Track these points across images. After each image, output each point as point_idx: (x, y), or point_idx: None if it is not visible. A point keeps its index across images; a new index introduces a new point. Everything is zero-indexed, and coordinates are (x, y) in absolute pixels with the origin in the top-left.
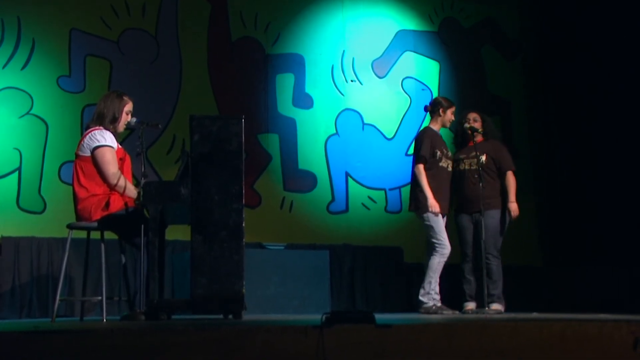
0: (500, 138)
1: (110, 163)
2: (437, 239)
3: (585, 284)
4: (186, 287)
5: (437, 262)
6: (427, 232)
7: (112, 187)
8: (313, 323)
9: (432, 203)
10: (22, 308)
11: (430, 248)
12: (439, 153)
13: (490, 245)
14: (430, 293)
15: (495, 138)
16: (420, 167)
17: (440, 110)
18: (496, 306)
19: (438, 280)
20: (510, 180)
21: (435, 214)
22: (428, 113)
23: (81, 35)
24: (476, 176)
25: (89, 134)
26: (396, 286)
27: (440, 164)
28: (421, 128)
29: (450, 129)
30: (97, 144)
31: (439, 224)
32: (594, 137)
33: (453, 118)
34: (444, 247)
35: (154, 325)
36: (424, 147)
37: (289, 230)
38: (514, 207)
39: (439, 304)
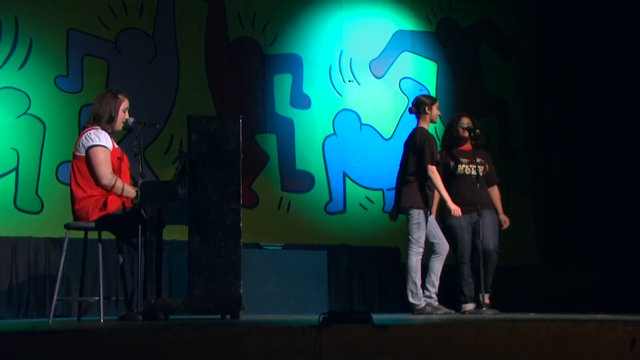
0: (487, 145)
1: (103, 163)
2: (414, 238)
3: (582, 284)
4: (184, 287)
5: (416, 261)
6: (409, 230)
7: (104, 188)
8: (310, 323)
9: (454, 207)
10: (19, 308)
11: (408, 247)
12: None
13: (492, 243)
14: (418, 293)
15: (484, 147)
16: (434, 168)
17: (426, 108)
18: (487, 297)
19: (438, 275)
20: (497, 193)
21: (457, 217)
22: (415, 114)
23: (79, 35)
24: (474, 178)
25: (85, 134)
26: (394, 286)
27: None
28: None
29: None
30: (92, 143)
31: (423, 223)
32: (591, 136)
33: (439, 112)
34: (422, 247)
35: (152, 325)
36: (434, 150)
37: (286, 231)
38: (506, 217)
39: (435, 303)
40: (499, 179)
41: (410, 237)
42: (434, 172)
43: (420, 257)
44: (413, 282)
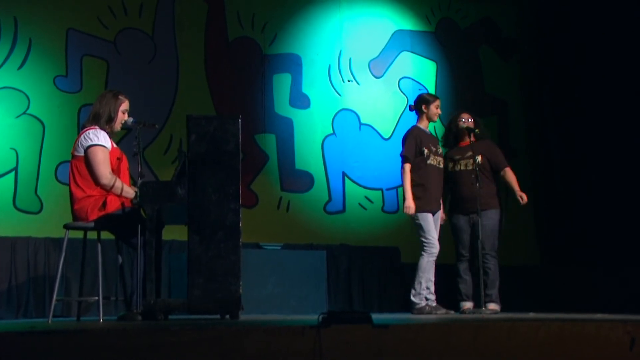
0: (490, 138)
1: (101, 163)
2: (425, 238)
3: (582, 284)
4: (183, 287)
5: (426, 262)
6: (417, 231)
7: (103, 188)
8: (310, 323)
9: (408, 205)
10: (18, 308)
11: (420, 247)
12: (426, 151)
13: (489, 245)
14: (422, 293)
15: (486, 138)
16: (406, 167)
17: (424, 107)
18: (493, 306)
19: (433, 279)
20: (510, 174)
21: (410, 214)
22: (414, 111)
23: (78, 35)
24: (473, 176)
25: (84, 134)
26: (393, 286)
27: (429, 161)
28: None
29: (445, 125)
30: (90, 142)
31: (428, 222)
32: (591, 136)
33: (439, 112)
34: (432, 247)
35: (151, 326)
36: (407, 147)
37: (286, 231)
38: (523, 194)
39: (434, 304)
40: (507, 163)
41: (422, 239)
42: (403, 170)
43: (432, 257)
44: (418, 282)
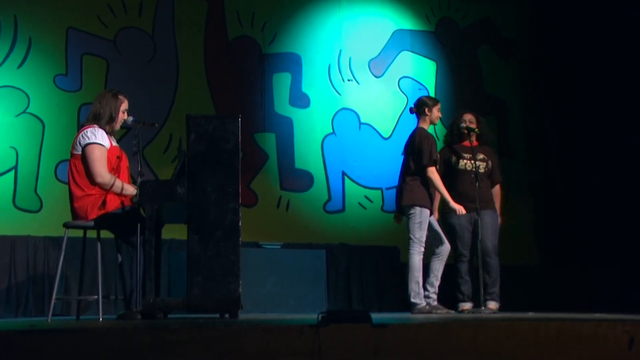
0: (492, 142)
1: (97, 161)
2: (417, 237)
3: (582, 284)
4: (182, 286)
5: (419, 260)
6: (411, 229)
7: (99, 187)
8: (309, 322)
9: (457, 207)
10: (18, 307)
11: (410, 246)
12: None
13: (491, 245)
14: (421, 292)
15: (488, 143)
16: (433, 169)
17: (426, 110)
18: (493, 305)
19: (439, 277)
20: (498, 191)
21: (461, 215)
22: (415, 114)
23: (78, 34)
24: (473, 176)
25: (82, 132)
26: (392, 286)
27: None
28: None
29: (445, 126)
30: (88, 141)
31: (425, 222)
32: (590, 136)
33: (440, 115)
34: (423, 246)
35: (150, 325)
36: (433, 150)
37: (285, 230)
38: (501, 219)
39: (434, 303)
40: (501, 178)
41: (412, 236)
42: (433, 173)
43: (422, 256)
44: (416, 282)
